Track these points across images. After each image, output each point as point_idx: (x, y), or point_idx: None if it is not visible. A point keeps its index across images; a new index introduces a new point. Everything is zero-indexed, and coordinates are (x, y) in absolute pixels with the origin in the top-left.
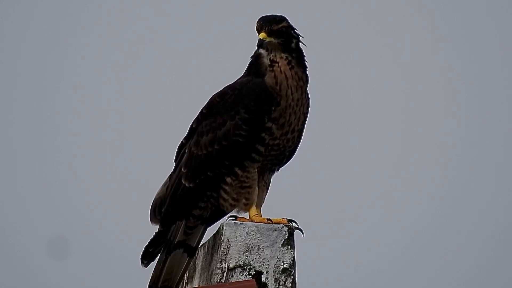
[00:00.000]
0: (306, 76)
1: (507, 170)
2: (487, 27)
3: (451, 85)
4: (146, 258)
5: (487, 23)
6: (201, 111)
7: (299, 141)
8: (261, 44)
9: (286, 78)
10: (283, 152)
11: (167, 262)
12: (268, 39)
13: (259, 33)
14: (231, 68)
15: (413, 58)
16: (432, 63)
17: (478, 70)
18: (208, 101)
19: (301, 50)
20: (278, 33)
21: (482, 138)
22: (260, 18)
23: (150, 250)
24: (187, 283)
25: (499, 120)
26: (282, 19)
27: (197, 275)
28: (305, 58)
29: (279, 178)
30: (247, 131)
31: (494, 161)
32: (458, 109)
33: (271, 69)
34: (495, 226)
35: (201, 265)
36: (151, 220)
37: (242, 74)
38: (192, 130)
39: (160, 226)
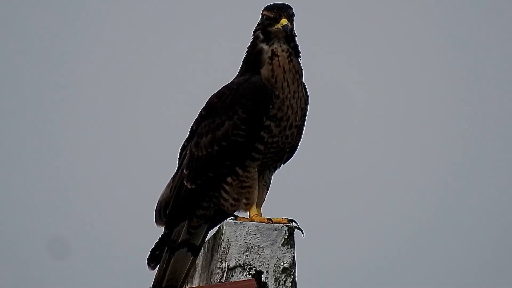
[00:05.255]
0: (301, 69)
1: (508, 167)
2: (487, 26)
3: (452, 84)
4: (153, 261)
5: (488, 22)
6: (200, 113)
7: (299, 138)
8: (286, 29)
9: (284, 71)
10: (283, 149)
11: (171, 261)
12: (290, 24)
13: (277, 21)
14: (233, 67)
15: (414, 57)
16: (433, 62)
17: (479, 69)
18: (207, 102)
19: (295, 40)
20: (292, 18)
21: (483, 137)
22: (273, 6)
23: (157, 252)
24: (187, 282)
25: (500, 118)
26: (289, 5)
27: (197, 275)
28: (299, 47)
29: (279, 178)
30: (245, 131)
31: (496, 159)
32: (459, 108)
33: (270, 61)
34: (496, 224)
35: (201, 264)
36: (157, 222)
37: (239, 68)
38: (192, 132)
39: (165, 228)
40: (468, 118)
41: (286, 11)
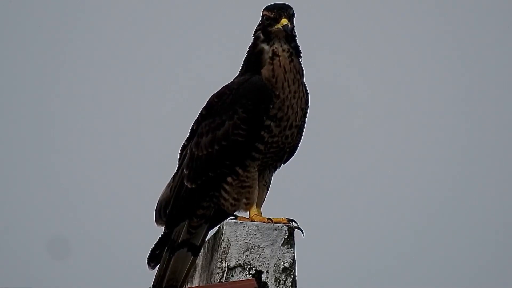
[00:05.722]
0: (302, 69)
1: (508, 165)
2: (488, 25)
3: (453, 83)
4: (153, 260)
5: (488, 22)
6: (201, 112)
7: (299, 138)
8: (286, 29)
9: (285, 71)
10: (283, 149)
11: (171, 261)
12: (290, 24)
13: (277, 21)
14: (234, 67)
15: (415, 56)
16: (433, 61)
17: (480, 68)
18: (207, 102)
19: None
20: (292, 18)
21: (485, 136)
22: (273, 6)
23: (157, 252)
24: (187, 282)
25: (500, 117)
26: (289, 5)
27: (197, 275)
28: (299, 47)
29: (279, 178)
30: (246, 131)
31: (496, 158)
32: (461, 108)
33: (270, 61)
34: (497, 225)
35: (201, 264)
36: (157, 221)
37: (240, 68)
38: (192, 132)
39: (166, 228)
40: (469, 118)
41: (286, 11)
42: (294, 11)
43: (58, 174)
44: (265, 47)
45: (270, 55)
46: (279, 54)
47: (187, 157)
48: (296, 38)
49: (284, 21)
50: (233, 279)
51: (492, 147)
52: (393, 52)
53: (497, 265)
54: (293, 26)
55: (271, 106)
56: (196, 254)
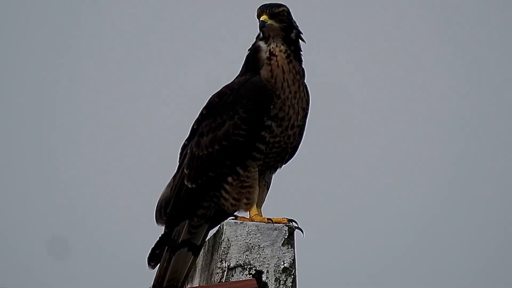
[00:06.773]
0: (303, 69)
1: (508, 167)
2: (488, 25)
3: (453, 83)
4: (153, 260)
5: (488, 22)
6: (201, 112)
7: (301, 138)
8: (263, 25)
9: (283, 72)
10: (285, 149)
11: (172, 261)
12: (269, 21)
13: (260, 17)
14: (235, 67)
15: (415, 56)
16: (433, 61)
17: (480, 68)
18: (208, 102)
19: (299, 43)
20: (279, 17)
21: (485, 135)
22: (260, 5)
23: (157, 252)
24: (187, 282)
25: (500, 118)
26: (282, 4)
27: (197, 275)
28: (301, 52)
29: (279, 178)
30: (246, 131)
31: (496, 158)
32: (461, 108)
33: (268, 62)
34: (497, 224)
35: (201, 264)
36: (157, 221)
37: (240, 69)
38: (193, 131)
39: (166, 227)
40: (469, 117)
41: (270, 8)
42: (284, 11)
43: (58, 174)
44: (262, 44)
45: (268, 55)
46: (276, 54)
47: (187, 156)
48: (299, 39)
49: (262, 17)
50: (233, 279)
51: (492, 147)
52: (393, 52)
53: (497, 265)
54: (287, 24)
55: (271, 106)
56: (196, 254)
